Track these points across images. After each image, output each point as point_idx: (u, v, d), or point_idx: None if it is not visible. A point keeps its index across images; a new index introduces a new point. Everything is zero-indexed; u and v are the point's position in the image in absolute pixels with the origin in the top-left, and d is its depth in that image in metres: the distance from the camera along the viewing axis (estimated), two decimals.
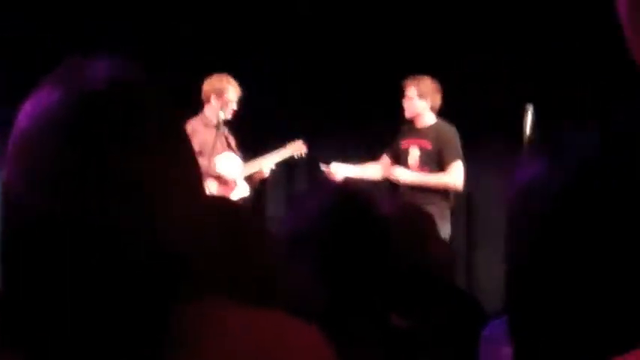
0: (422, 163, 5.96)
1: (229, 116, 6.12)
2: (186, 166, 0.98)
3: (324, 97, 7.22)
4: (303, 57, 7.25)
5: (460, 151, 5.95)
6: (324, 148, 6.69)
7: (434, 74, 6.63)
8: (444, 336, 2.10)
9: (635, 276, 0.82)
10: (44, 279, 0.89)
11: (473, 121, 7.07)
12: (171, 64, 6.56)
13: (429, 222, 2.71)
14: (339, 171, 6.16)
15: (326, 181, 5.14)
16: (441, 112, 6.23)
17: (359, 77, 6.96)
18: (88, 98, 0.94)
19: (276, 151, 6.35)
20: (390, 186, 6.01)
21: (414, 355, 1.81)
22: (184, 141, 1.00)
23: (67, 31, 6.41)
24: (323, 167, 6.25)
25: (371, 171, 6.23)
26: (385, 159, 6.23)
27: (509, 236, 0.93)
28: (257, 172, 6.23)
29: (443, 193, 5.90)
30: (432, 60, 6.93)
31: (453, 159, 5.90)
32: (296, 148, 6.39)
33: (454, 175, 5.90)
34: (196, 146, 5.77)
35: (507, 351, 1.47)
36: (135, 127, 0.94)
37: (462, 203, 7.30)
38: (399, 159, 6.10)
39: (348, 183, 1.97)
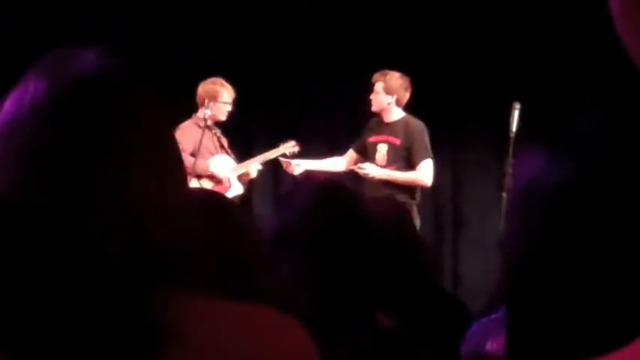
0: (390, 160, 5.97)
1: (224, 118, 6.21)
2: (172, 158, 0.97)
3: (316, 98, 7.21)
4: (297, 58, 7.25)
5: (429, 148, 5.97)
6: (315, 149, 6.69)
7: (423, 73, 6.64)
8: (428, 335, 2.10)
9: (635, 273, 0.82)
10: (28, 274, 0.88)
11: (460, 118, 7.10)
12: (168, 64, 6.58)
13: (409, 219, 2.71)
14: (301, 165, 6.19)
15: (311, 178, 5.12)
16: (429, 110, 6.23)
17: (348, 77, 6.95)
18: (75, 86, 0.93)
19: (268, 152, 6.42)
20: (355, 180, 6.01)
21: (399, 353, 1.81)
22: (170, 132, 0.99)
23: (66, 30, 6.39)
24: (283, 162, 6.27)
25: (334, 164, 6.24)
26: (351, 153, 6.25)
27: (510, 233, 0.93)
28: (244, 173, 6.29)
29: (410, 189, 5.92)
30: (420, 59, 6.94)
31: (423, 157, 5.93)
32: (288, 147, 6.44)
33: (424, 173, 5.92)
34: (189, 147, 5.91)
35: (491, 348, 1.48)
36: (121, 115, 0.93)
37: (448, 202, 7.32)
38: (366, 154, 6.12)
39: (333, 180, 1.96)
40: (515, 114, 5.66)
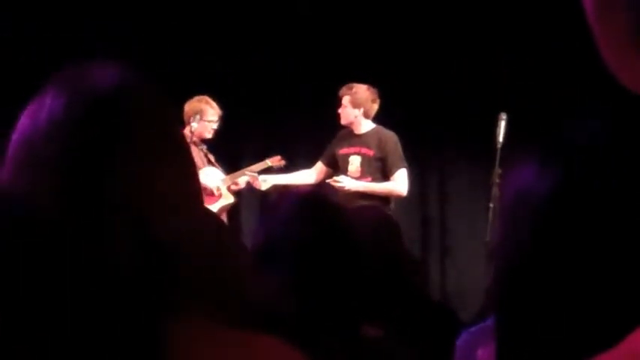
0: (364, 172, 5.98)
1: (209, 136, 6.25)
2: (187, 176, 0.98)
3: (303, 109, 7.22)
4: (281, 68, 7.25)
5: (403, 158, 5.97)
6: (303, 160, 6.69)
7: (409, 84, 6.65)
8: (417, 345, 2.09)
9: (625, 277, 0.82)
10: (39, 286, 0.87)
11: (446, 129, 7.10)
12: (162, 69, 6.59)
13: (395, 228, 2.70)
14: (268, 180, 6.21)
15: (296, 190, 5.14)
16: (415, 121, 6.24)
17: (335, 86, 6.96)
18: (93, 104, 0.94)
19: (255, 165, 6.45)
20: (328, 192, 5.99)
21: None
22: (186, 151, 1.01)
23: (65, 33, 6.38)
24: (250, 176, 6.30)
25: (302, 178, 6.24)
26: (320, 166, 6.25)
27: (501, 242, 0.93)
28: (233, 184, 6.33)
29: (385, 200, 5.93)
30: (407, 71, 6.95)
31: (398, 167, 5.93)
32: (275, 161, 6.46)
33: (400, 184, 5.93)
34: None
35: (481, 357, 1.47)
36: (139, 136, 0.94)
37: (435, 213, 7.32)
38: (336, 166, 6.11)
39: (316, 191, 1.98)
40: (502, 124, 5.67)
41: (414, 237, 6.87)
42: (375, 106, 6.04)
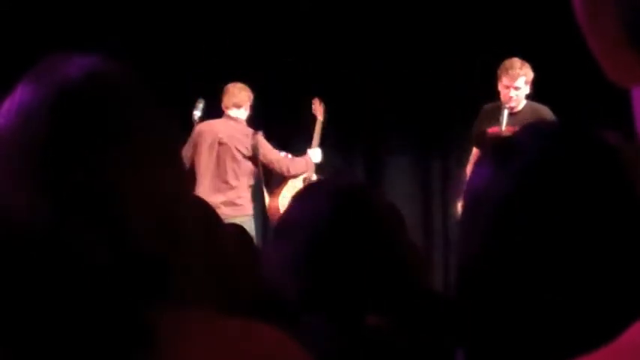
0: None
1: None
2: (168, 164, 0.96)
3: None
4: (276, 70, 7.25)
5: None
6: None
7: (413, 75, 6.64)
8: (418, 335, 2.10)
9: (579, 275, 0.85)
10: (19, 280, 0.87)
11: (449, 118, 7.11)
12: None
13: (399, 221, 2.69)
14: None
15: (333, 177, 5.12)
16: (419, 110, 6.24)
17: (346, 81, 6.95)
18: (63, 93, 0.93)
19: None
20: None
21: (389, 354, 1.80)
22: (168, 137, 0.98)
23: (66, 36, 6.40)
24: None
25: None
26: (474, 152, 5.87)
27: (460, 237, 0.97)
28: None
29: None
30: (409, 62, 6.95)
31: None
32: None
33: None
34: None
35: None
36: (113, 122, 0.93)
37: (438, 202, 7.33)
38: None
39: (343, 177, 1.98)
40: (505, 114, 5.64)
41: (417, 226, 6.88)
42: None
